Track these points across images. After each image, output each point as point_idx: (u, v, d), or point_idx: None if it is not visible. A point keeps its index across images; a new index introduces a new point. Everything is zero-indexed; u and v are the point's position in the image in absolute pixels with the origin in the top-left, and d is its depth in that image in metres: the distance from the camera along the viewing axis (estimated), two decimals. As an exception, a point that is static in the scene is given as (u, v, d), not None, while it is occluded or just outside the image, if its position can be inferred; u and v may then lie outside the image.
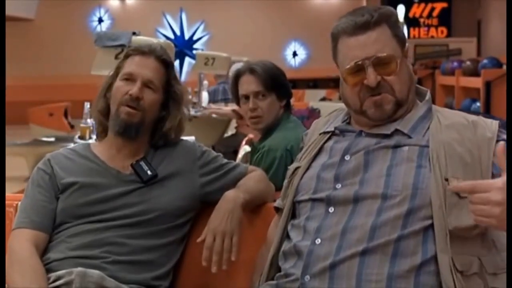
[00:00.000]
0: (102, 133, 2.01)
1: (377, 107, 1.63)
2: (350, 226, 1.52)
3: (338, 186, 1.60)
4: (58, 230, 1.86)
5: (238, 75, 2.74)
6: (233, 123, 6.63)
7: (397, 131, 1.62)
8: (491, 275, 1.49)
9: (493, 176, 1.51)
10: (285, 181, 1.79)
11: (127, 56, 2.00)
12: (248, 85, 2.70)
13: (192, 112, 6.93)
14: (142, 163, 1.93)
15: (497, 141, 1.55)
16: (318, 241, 1.54)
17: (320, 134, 1.76)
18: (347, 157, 1.63)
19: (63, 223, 1.86)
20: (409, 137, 1.60)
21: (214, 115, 6.72)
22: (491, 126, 1.59)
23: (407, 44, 1.68)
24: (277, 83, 2.71)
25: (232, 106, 7.03)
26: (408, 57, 1.69)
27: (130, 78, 1.94)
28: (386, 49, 1.61)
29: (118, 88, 1.94)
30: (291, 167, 1.78)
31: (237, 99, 2.79)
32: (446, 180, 1.50)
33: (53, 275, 1.70)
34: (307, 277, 1.52)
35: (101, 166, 1.95)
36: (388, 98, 1.62)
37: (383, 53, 1.60)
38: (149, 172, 1.91)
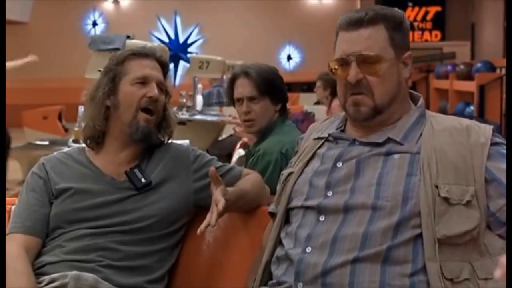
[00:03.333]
0: (102, 142, 1.97)
1: (355, 106, 1.63)
2: (340, 235, 1.52)
3: (330, 193, 1.59)
4: (52, 235, 1.86)
5: (233, 78, 2.76)
6: (230, 126, 6.62)
7: (389, 140, 1.61)
8: (483, 280, 1.47)
9: (486, 181, 1.51)
10: (278, 186, 1.79)
11: (125, 59, 1.97)
12: (242, 88, 2.71)
13: (187, 115, 6.93)
14: (136, 170, 1.92)
15: (491, 144, 1.55)
16: (308, 249, 1.54)
17: (314, 139, 1.76)
18: (339, 164, 1.62)
19: (57, 228, 1.86)
20: (401, 144, 1.59)
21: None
22: (485, 131, 1.58)
23: (408, 52, 1.66)
24: (271, 87, 2.71)
25: (227, 110, 7.03)
26: (408, 65, 1.66)
27: (144, 82, 1.94)
28: (375, 49, 1.60)
29: (133, 93, 1.92)
30: (285, 173, 1.78)
31: (232, 102, 2.80)
32: (436, 187, 1.49)
33: (47, 278, 1.69)
34: (300, 285, 1.52)
35: (95, 172, 1.94)
36: (366, 100, 1.62)
37: (370, 52, 1.60)
38: (143, 180, 1.91)
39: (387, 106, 1.63)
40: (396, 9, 1.69)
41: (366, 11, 1.63)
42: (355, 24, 1.62)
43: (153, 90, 1.93)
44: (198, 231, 1.68)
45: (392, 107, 1.64)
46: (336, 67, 1.65)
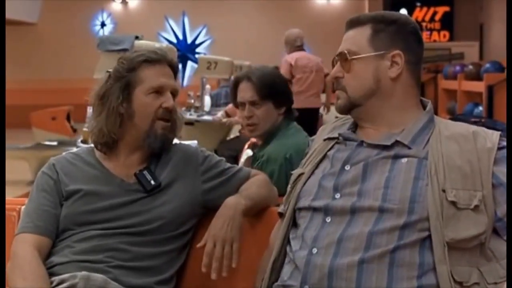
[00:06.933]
0: (114, 147, 1.96)
1: (336, 100, 1.71)
2: (346, 235, 1.53)
3: (337, 196, 1.60)
4: (61, 236, 1.86)
5: (237, 82, 2.77)
6: (237, 126, 6.63)
7: (397, 142, 1.61)
8: (492, 284, 1.48)
9: (493, 186, 1.51)
10: (288, 187, 1.79)
11: (138, 66, 1.93)
12: (244, 93, 2.72)
13: (195, 116, 6.94)
14: (145, 172, 1.92)
15: (498, 148, 1.54)
16: (314, 250, 1.55)
17: (324, 140, 1.77)
18: (347, 167, 1.63)
19: (67, 230, 1.86)
20: (409, 148, 1.60)
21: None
22: (492, 136, 1.58)
23: (396, 51, 1.66)
24: (273, 91, 2.71)
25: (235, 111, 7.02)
26: (397, 64, 1.66)
27: (159, 91, 1.92)
28: (352, 47, 1.68)
29: (149, 104, 1.91)
30: (295, 173, 1.78)
31: (236, 104, 2.82)
32: (444, 191, 1.49)
33: (56, 279, 1.70)
34: (306, 287, 1.52)
35: (105, 173, 1.94)
36: (342, 94, 1.70)
37: (346, 50, 1.68)
38: (152, 182, 1.91)
39: (363, 100, 1.67)
40: (400, 12, 1.74)
41: (364, 14, 1.72)
42: (348, 25, 1.72)
43: (169, 101, 1.92)
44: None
45: (372, 102, 1.67)
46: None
